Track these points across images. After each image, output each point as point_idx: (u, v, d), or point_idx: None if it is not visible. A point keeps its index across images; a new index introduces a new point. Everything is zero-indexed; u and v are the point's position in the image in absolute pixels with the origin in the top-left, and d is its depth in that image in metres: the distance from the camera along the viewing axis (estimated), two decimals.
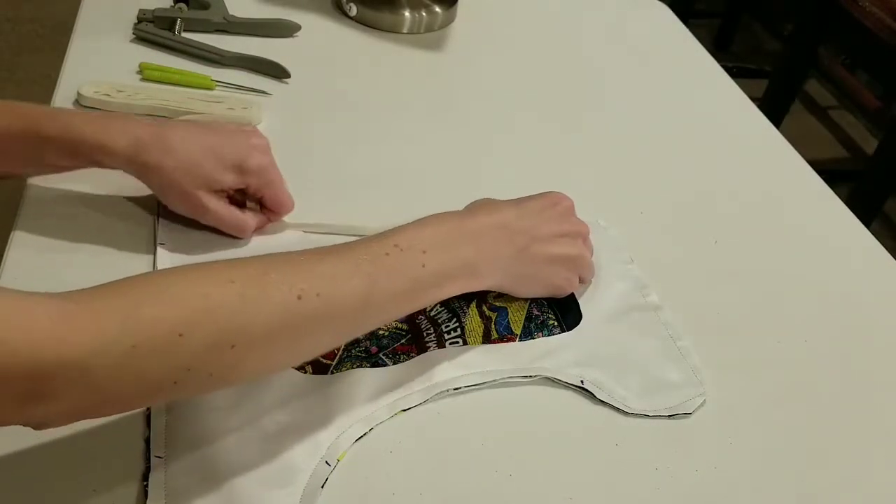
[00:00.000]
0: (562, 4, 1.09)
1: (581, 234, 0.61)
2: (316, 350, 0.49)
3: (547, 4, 1.08)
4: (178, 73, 0.78)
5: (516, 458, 0.51)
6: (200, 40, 0.83)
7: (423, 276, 0.51)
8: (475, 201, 0.59)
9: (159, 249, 0.59)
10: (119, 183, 0.63)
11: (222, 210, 0.60)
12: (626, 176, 0.79)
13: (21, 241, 0.59)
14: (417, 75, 0.89)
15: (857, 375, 0.63)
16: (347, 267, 0.48)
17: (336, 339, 0.51)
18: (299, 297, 0.44)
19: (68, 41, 0.81)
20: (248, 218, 0.61)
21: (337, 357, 0.54)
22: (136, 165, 0.57)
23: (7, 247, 0.58)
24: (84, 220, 0.61)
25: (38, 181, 0.64)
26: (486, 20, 1.01)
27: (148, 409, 0.49)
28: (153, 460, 0.46)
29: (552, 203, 0.60)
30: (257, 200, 0.63)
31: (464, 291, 0.55)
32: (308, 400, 0.51)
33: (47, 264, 0.57)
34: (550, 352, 0.58)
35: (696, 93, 0.96)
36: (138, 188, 0.62)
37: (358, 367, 0.54)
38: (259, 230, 0.63)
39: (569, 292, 0.62)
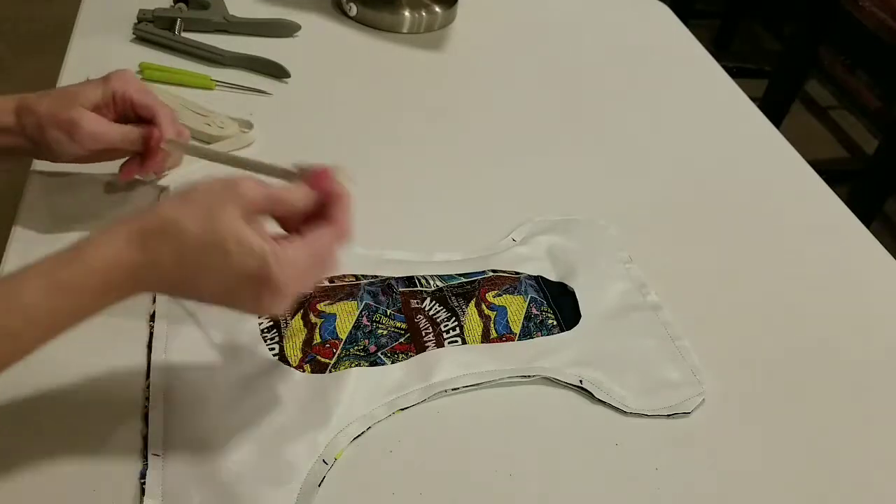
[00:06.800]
0: (562, 4, 1.09)
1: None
2: None
3: (547, 4, 1.08)
4: (178, 73, 0.78)
5: (516, 458, 0.51)
6: (200, 40, 0.83)
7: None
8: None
9: None
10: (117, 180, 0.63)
11: (101, 124, 0.58)
12: (626, 176, 0.79)
13: (21, 238, 0.59)
14: (417, 75, 0.89)
15: (858, 375, 0.63)
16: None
17: None
18: None
19: (68, 41, 0.81)
20: (132, 128, 0.59)
21: (335, 356, 0.54)
22: (22, 132, 0.57)
23: (7, 244, 0.58)
24: (83, 218, 0.61)
25: (38, 179, 0.64)
26: (486, 20, 1.01)
27: (146, 406, 0.49)
28: (151, 458, 0.46)
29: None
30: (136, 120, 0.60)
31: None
32: (306, 399, 0.51)
33: None
34: (549, 351, 0.58)
35: (696, 93, 0.96)
36: (137, 187, 0.62)
37: (356, 366, 0.54)
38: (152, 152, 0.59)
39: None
